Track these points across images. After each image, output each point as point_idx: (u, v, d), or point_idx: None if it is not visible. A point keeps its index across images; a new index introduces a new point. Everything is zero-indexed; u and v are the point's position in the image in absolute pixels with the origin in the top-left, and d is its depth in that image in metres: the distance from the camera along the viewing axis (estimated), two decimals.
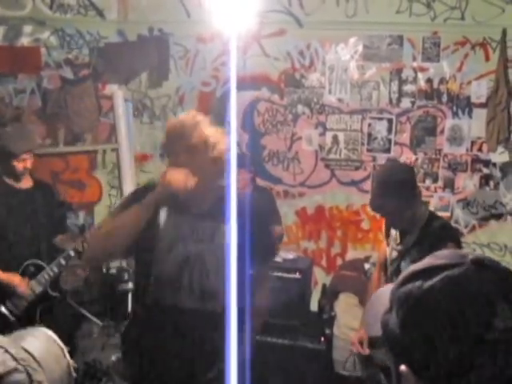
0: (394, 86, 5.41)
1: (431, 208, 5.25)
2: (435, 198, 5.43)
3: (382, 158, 5.51)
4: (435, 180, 5.42)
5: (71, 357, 1.42)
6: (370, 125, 5.51)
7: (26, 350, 1.26)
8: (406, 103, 5.41)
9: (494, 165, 5.30)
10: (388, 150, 5.48)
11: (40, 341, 1.37)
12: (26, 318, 3.80)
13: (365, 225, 5.59)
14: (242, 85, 5.37)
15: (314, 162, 5.66)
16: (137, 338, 2.69)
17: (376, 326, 1.15)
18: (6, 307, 3.83)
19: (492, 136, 5.17)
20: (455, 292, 0.99)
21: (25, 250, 3.99)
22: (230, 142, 2.55)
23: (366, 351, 3.46)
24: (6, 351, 1.17)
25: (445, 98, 5.33)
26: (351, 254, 5.65)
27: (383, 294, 1.17)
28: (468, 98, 5.28)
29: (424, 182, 5.43)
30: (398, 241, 3.34)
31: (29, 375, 1.18)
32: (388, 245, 3.50)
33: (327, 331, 4.51)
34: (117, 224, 2.58)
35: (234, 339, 1.73)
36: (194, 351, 2.55)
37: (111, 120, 5.95)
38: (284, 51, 5.56)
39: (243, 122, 5.65)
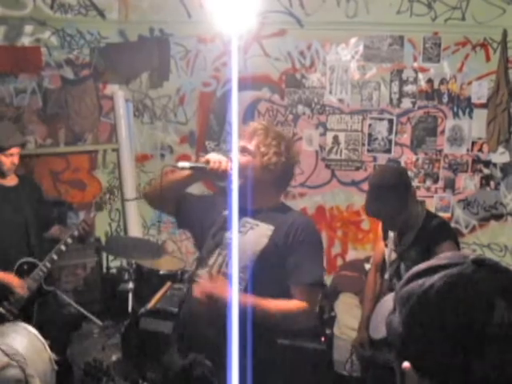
0: (395, 87, 5.41)
1: (431, 208, 5.26)
2: (436, 199, 5.43)
3: (382, 159, 5.51)
4: (436, 180, 5.42)
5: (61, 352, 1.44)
6: (370, 125, 5.51)
7: (8, 346, 1.27)
8: (406, 104, 5.41)
9: (495, 165, 5.31)
10: (388, 151, 5.48)
11: (22, 336, 1.38)
12: (23, 316, 3.79)
13: (365, 225, 5.59)
14: (243, 85, 5.36)
15: (314, 162, 5.67)
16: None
17: (381, 328, 1.16)
18: (4, 307, 3.83)
19: (492, 136, 5.18)
20: (455, 289, 1.00)
21: (16, 248, 3.99)
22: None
23: (368, 352, 3.46)
24: None
25: (445, 99, 5.33)
26: (351, 255, 5.65)
27: (388, 299, 1.18)
28: (469, 98, 5.28)
29: (424, 182, 5.43)
30: (397, 242, 3.34)
31: (22, 369, 1.18)
32: (386, 246, 3.50)
33: (327, 331, 4.51)
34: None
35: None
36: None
37: (112, 120, 5.95)
38: (285, 51, 5.56)
39: (244, 123, 5.65)
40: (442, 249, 2.83)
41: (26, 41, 5.65)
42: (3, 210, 3.98)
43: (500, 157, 5.27)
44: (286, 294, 2.54)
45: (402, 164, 5.46)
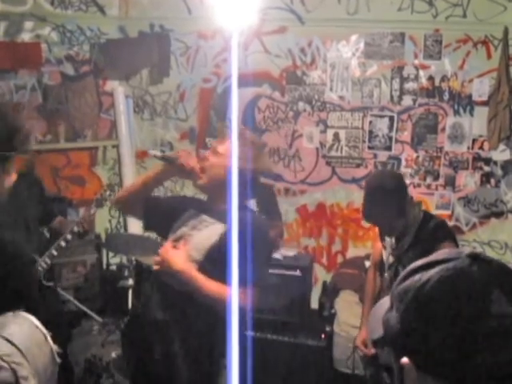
0: (396, 84, 5.40)
1: (432, 206, 5.27)
2: (436, 196, 5.43)
3: (383, 156, 5.51)
4: (436, 178, 5.42)
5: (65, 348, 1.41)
6: (371, 122, 5.50)
7: (8, 340, 1.24)
8: (407, 101, 5.40)
9: (495, 163, 5.30)
10: (389, 148, 5.48)
11: (22, 328, 1.34)
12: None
13: (365, 222, 5.58)
14: (243, 82, 5.37)
15: (314, 159, 5.66)
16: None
17: (377, 328, 1.16)
18: None
19: (493, 134, 5.17)
20: (451, 282, 1.01)
21: (16, 243, 3.99)
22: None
23: (371, 351, 3.46)
24: None
25: (446, 96, 5.32)
26: (352, 252, 5.65)
27: (385, 301, 1.19)
28: (469, 95, 5.27)
29: (425, 179, 5.43)
30: (394, 245, 3.33)
31: (14, 372, 1.15)
32: (384, 248, 3.49)
33: (327, 328, 4.51)
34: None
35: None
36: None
37: (112, 116, 5.95)
38: (285, 48, 5.55)
39: (244, 119, 5.65)
40: (442, 249, 2.82)
41: (26, 37, 5.64)
42: (3, 205, 3.97)
43: (501, 154, 5.27)
44: None
45: (403, 161, 5.46)
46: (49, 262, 4.01)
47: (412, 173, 5.41)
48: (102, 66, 5.84)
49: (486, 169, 5.32)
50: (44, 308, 3.96)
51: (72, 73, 5.86)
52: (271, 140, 5.70)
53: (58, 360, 1.38)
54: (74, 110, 5.87)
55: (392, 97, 5.43)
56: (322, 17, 5.35)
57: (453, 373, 0.97)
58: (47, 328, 1.49)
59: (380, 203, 3.12)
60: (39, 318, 1.45)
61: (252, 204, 4.85)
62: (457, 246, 3.22)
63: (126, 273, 5.10)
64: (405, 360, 1.03)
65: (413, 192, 5.06)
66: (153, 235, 5.90)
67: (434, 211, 5.01)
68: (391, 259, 3.35)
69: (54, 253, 4.01)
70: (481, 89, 5.23)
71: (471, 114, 5.30)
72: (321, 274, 5.63)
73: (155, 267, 2.62)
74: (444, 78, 5.30)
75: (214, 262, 2.52)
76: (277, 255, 4.63)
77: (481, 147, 5.31)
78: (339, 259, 5.71)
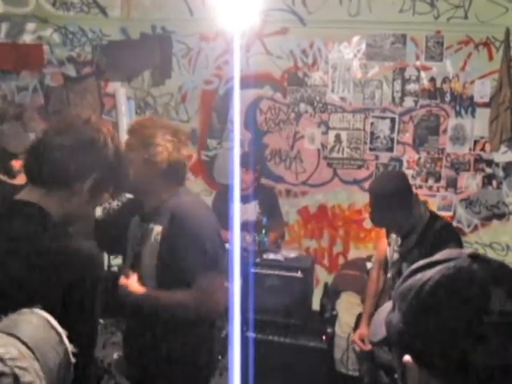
0: (397, 85, 5.40)
1: (434, 207, 5.26)
2: (438, 198, 5.43)
3: (384, 157, 5.51)
4: (438, 179, 5.41)
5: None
6: (372, 124, 5.50)
7: (19, 339, 1.22)
8: (408, 102, 5.40)
9: (497, 164, 5.30)
10: (391, 149, 5.48)
11: (35, 327, 1.31)
12: None
13: (367, 224, 5.57)
14: (245, 83, 5.37)
15: (316, 160, 5.66)
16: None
17: (379, 331, 1.17)
18: None
19: (495, 135, 5.16)
20: (452, 280, 1.02)
21: None
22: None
23: (368, 346, 3.47)
24: None
25: (448, 98, 5.32)
26: (353, 253, 5.65)
27: (387, 306, 1.20)
28: (471, 97, 5.27)
29: (427, 181, 5.43)
30: (399, 242, 3.33)
31: (16, 378, 1.12)
32: (389, 245, 3.49)
33: (329, 330, 4.50)
34: None
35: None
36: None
37: (113, 118, 5.95)
38: (287, 50, 5.55)
39: (246, 121, 5.65)
40: None
41: (27, 38, 5.66)
42: None
43: (502, 156, 5.27)
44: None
45: (404, 163, 5.46)
46: None
47: (414, 174, 5.41)
48: (104, 67, 5.84)
49: (488, 170, 5.32)
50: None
51: (74, 74, 5.87)
52: (273, 141, 5.71)
53: (73, 360, 1.37)
54: (75, 111, 5.87)
55: (393, 98, 5.43)
56: (323, 18, 5.35)
57: (455, 370, 0.98)
58: None
59: (387, 208, 3.11)
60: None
61: (254, 206, 4.86)
62: (462, 248, 3.22)
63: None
64: (407, 358, 1.04)
65: None
66: None
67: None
68: (395, 256, 3.35)
69: None
70: (482, 90, 5.23)
71: (473, 116, 5.30)
72: (322, 276, 5.62)
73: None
74: (446, 80, 5.30)
75: (168, 266, 2.49)
76: (278, 256, 4.63)
77: (482, 149, 5.31)
78: (340, 261, 5.70)
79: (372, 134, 5.51)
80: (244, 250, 4.40)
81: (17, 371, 1.11)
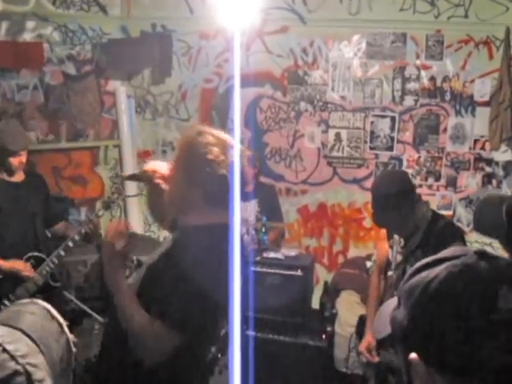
0: (397, 84, 5.40)
1: (433, 206, 5.25)
2: (438, 197, 5.43)
3: (384, 156, 5.51)
4: (438, 178, 5.42)
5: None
6: (372, 122, 5.50)
7: (24, 332, 1.22)
8: (409, 101, 5.40)
9: (497, 163, 5.30)
10: (391, 148, 5.48)
11: (38, 318, 1.32)
12: None
13: (367, 223, 5.58)
14: (245, 82, 5.38)
15: (316, 159, 5.66)
16: None
17: (383, 328, 1.16)
18: (10, 300, 3.84)
19: (495, 134, 5.16)
20: (459, 277, 1.01)
21: (24, 242, 4.01)
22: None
23: (376, 358, 3.43)
24: (4, 350, 1.12)
25: (448, 96, 5.32)
26: (353, 252, 5.65)
27: (390, 302, 1.19)
28: (471, 96, 5.27)
29: (426, 180, 5.43)
30: (403, 244, 3.32)
31: (28, 375, 1.12)
32: (391, 247, 3.48)
33: (328, 328, 4.51)
34: None
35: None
36: None
37: (113, 116, 5.95)
38: (287, 48, 5.55)
39: (246, 119, 5.65)
40: None
41: (27, 36, 5.65)
42: (12, 205, 3.99)
43: (502, 155, 5.27)
44: None
45: (404, 162, 5.46)
46: (56, 262, 4.03)
47: (413, 173, 5.41)
48: (104, 65, 5.84)
49: (488, 169, 5.32)
50: None
51: (74, 72, 5.86)
52: (273, 140, 5.71)
53: (74, 349, 1.37)
54: (75, 109, 5.87)
55: (394, 97, 5.43)
56: (323, 17, 5.35)
57: (461, 367, 0.97)
58: None
59: (389, 208, 3.10)
60: None
61: (254, 204, 4.86)
62: (465, 246, 3.21)
63: (128, 272, 5.09)
64: (413, 356, 1.03)
65: None
66: (154, 235, 5.93)
67: None
68: (399, 258, 3.34)
69: (62, 253, 4.02)
70: (482, 89, 5.23)
71: (473, 115, 5.30)
72: (322, 274, 5.63)
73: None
74: (446, 79, 5.30)
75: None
76: (278, 255, 4.63)
77: (482, 148, 5.31)
78: (340, 259, 5.71)
79: (372, 132, 5.51)
80: (243, 248, 4.40)
81: (29, 368, 1.11)
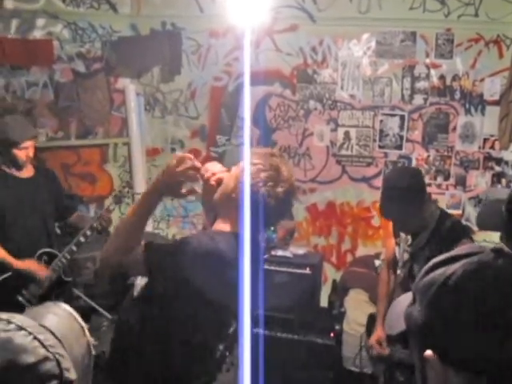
0: (407, 83, 5.39)
1: (442, 205, 5.24)
2: (447, 196, 5.42)
3: (393, 155, 5.50)
4: (447, 177, 5.41)
5: None
6: (381, 121, 5.49)
7: (48, 330, 1.24)
8: (418, 100, 5.39)
9: (506, 163, 5.28)
10: (400, 147, 5.47)
11: (60, 318, 1.32)
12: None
13: (375, 221, 5.58)
14: (254, 80, 5.37)
15: (325, 157, 5.66)
16: None
17: (397, 324, 1.16)
18: (23, 296, 3.87)
19: (505, 134, 5.15)
20: (476, 275, 1.00)
21: (35, 239, 4.03)
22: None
23: (386, 350, 3.45)
24: (35, 338, 1.14)
25: (457, 95, 5.30)
26: (361, 251, 5.65)
27: (403, 299, 1.19)
28: (481, 95, 5.26)
29: (436, 179, 5.42)
30: (410, 242, 3.32)
31: (58, 363, 1.15)
32: (397, 245, 3.48)
33: (337, 327, 4.51)
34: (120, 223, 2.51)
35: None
36: None
37: (123, 114, 5.97)
38: (296, 47, 5.55)
39: (255, 117, 5.65)
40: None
41: (38, 34, 5.67)
42: (21, 201, 4.00)
43: None
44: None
45: (413, 160, 5.45)
46: (68, 257, 4.05)
47: (422, 172, 5.39)
48: (114, 63, 5.86)
49: (497, 169, 5.30)
50: None
51: (83, 70, 5.88)
52: (282, 138, 5.71)
53: (94, 352, 1.39)
54: (85, 107, 5.89)
55: (403, 96, 5.42)
56: (333, 15, 5.34)
57: (479, 365, 0.97)
58: None
59: (398, 200, 3.11)
60: None
61: None
62: None
63: None
64: (429, 353, 1.02)
65: None
66: (162, 232, 5.95)
67: None
68: (406, 256, 3.35)
69: (74, 248, 4.05)
70: (492, 88, 5.22)
71: (482, 114, 5.28)
72: (330, 273, 5.63)
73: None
74: (455, 77, 5.29)
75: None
76: (287, 253, 4.64)
77: (492, 147, 5.30)
78: (349, 258, 5.70)
79: (381, 131, 5.50)
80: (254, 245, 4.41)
81: (58, 357, 1.14)
